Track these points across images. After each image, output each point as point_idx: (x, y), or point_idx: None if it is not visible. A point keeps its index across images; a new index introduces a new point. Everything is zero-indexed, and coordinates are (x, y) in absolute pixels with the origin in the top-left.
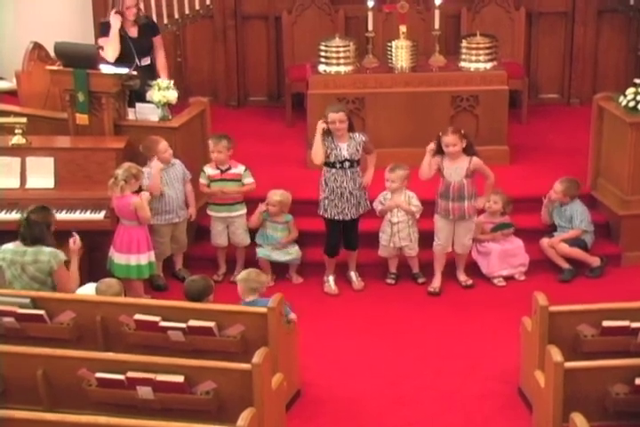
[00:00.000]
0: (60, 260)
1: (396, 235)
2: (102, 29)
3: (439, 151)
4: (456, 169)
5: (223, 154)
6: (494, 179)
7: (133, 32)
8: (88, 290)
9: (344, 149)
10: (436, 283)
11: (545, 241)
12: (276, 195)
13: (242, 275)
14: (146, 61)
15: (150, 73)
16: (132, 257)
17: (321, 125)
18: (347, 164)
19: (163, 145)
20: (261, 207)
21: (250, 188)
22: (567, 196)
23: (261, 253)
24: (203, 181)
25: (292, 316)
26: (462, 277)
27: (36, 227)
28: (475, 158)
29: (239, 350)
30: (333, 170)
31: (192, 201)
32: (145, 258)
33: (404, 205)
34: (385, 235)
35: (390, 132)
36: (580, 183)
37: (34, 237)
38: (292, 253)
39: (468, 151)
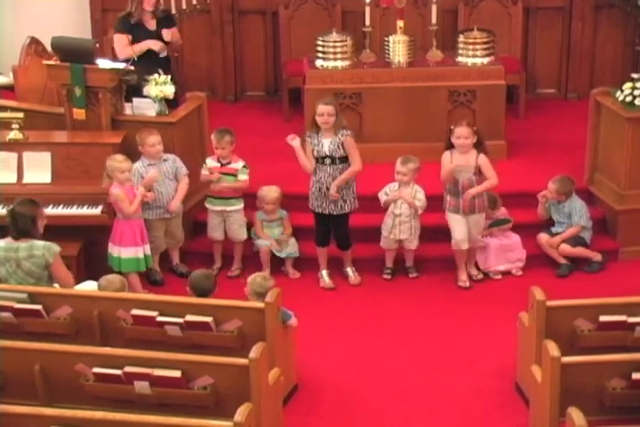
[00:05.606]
0: (55, 252)
1: (397, 227)
2: (121, 24)
3: (449, 145)
4: (465, 166)
5: (227, 150)
6: (496, 183)
7: (152, 25)
8: (86, 288)
9: (326, 145)
10: (464, 276)
11: (543, 237)
12: (272, 191)
13: (256, 284)
14: (164, 53)
15: (168, 64)
16: (126, 250)
17: (294, 143)
18: (327, 160)
19: (152, 138)
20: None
21: (241, 185)
22: (562, 194)
23: (263, 242)
24: (204, 171)
25: (292, 321)
26: (473, 271)
27: (20, 219)
28: (482, 156)
29: (236, 345)
30: (317, 164)
31: (179, 196)
32: (140, 251)
33: (408, 197)
34: (386, 226)
35: (387, 127)
36: (573, 179)
37: (19, 230)
38: (290, 248)
39: (479, 148)
